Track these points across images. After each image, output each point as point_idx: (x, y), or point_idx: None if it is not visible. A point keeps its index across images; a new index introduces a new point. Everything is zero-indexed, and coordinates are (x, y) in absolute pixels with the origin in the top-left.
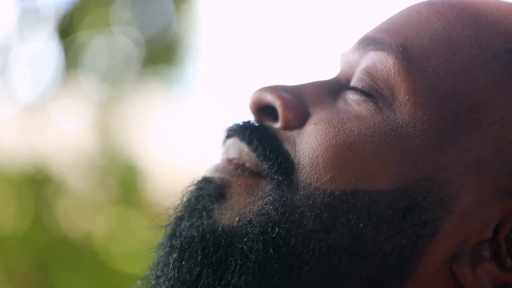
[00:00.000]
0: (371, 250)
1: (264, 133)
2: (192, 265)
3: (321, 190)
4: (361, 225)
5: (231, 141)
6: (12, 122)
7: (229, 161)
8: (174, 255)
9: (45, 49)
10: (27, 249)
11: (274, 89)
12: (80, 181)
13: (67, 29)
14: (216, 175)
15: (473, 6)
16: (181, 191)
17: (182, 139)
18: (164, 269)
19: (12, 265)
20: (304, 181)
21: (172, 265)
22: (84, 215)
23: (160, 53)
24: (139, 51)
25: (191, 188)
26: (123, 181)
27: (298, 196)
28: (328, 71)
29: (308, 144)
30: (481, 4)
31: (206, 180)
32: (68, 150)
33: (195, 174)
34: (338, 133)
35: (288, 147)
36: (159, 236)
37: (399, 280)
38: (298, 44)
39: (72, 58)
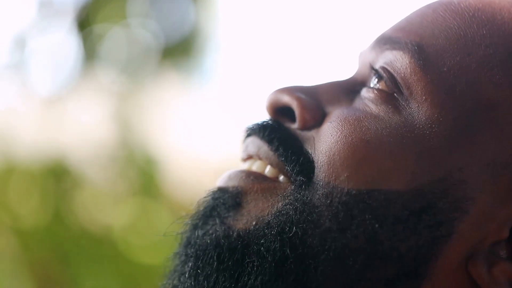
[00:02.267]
0: (387, 250)
1: (284, 133)
2: (209, 272)
3: (339, 189)
4: (377, 225)
5: (250, 139)
6: (31, 115)
7: (246, 159)
8: (190, 264)
9: (64, 41)
10: (48, 242)
11: (290, 90)
12: (100, 173)
13: (86, 21)
14: (230, 184)
15: (489, 6)
16: (197, 202)
17: (201, 130)
18: (181, 278)
19: (33, 258)
20: (323, 179)
21: (189, 273)
22: (104, 207)
23: (178, 44)
24: (157, 43)
25: (206, 198)
26: (142, 172)
27: (317, 196)
28: (345, 67)
29: (324, 142)
30: (497, 3)
31: (221, 190)
32: (88, 142)
33: (213, 165)
34: (354, 130)
35: (308, 147)
36: (178, 229)
37: (415, 280)
38: (316, 36)
39: (90, 50)
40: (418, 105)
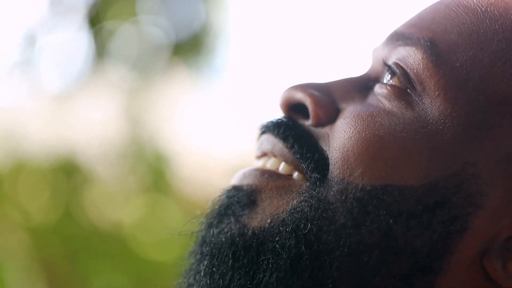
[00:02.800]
0: (401, 246)
1: (298, 130)
2: (224, 270)
3: (354, 185)
4: (391, 221)
5: (265, 136)
6: (42, 112)
7: (261, 156)
8: (205, 262)
9: (74, 38)
10: (58, 239)
11: (303, 87)
12: (110, 170)
13: (96, 19)
14: (245, 182)
15: (502, 0)
16: (212, 200)
17: (210, 127)
18: (196, 277)
19: (44, 255)
20: (338, 176)
21: (204, 272)
22: (114, 204)
23: (188, 41)
24: (167, 39)
25: (221, 197)
26: (152, 169)
27: (332, 192)
28: (357, 63)
29: (338, 138)
30: None
31: (235, 189)
32: (98, 139)
33: (223, 161)
34: (368, 126)
35: (322, 144)
36: (193, 227)
37: (430, 275)
38: (328, 32)
39: (100, 47)
40: (431, 101)
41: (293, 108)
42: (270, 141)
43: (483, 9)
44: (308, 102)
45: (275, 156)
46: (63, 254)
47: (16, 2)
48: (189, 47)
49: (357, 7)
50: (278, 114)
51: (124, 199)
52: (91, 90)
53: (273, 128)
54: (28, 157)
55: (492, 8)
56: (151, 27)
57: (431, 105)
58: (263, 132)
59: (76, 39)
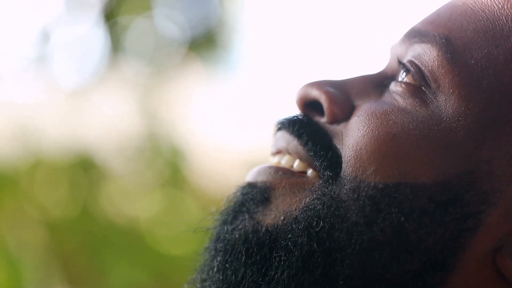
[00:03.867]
0: (413, 243)
1: (313, 128)
2: (237, 267)
3: (366, 183)
4: (403, 218)
5: (280, 133)
6: (58, 108)
7: (276, 153)
8: (219, 258)
9: (90, 34)
10: (76, 235)
11: (319, 84)
12: (126, 165)
13: (111, 14)
14: (259, 179)
15: None
16: (226, 197)
17: (226, 121)
18: (210, 273)
19: (62, 250)
20: (350, 174)
21: (217, 268)
22: (131, 199)
23: (204, 35)
24: (183, 34)
25: (235, 194)
26: (169, 164)
27: (345, 190)
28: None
29: (352, 136)
30: None
31: (250, 185)
32: (114, 134)
33: (239, 155)
34: (381, 124)
35: (336, 141)
36: (208, 224)
37: (442, 273)
38: (345, 26)
39: (116, 42)
40: (445, 98)
41: (309, 105)
42: (285, 138)
43: (500, 5)
44: (323, 99)
45: (289, 153)
46: (81, 249)
47: None
48: (204, 42)
49: (377, 1)
50: (294, 110)
51: (140, 194)
52: (107, 86)
53: (288, 125)
54: (45, 153)
55: (509, 5)
56: (166, 22)
57: (445, 102)
58: (278, 129)
59: (92, 34)
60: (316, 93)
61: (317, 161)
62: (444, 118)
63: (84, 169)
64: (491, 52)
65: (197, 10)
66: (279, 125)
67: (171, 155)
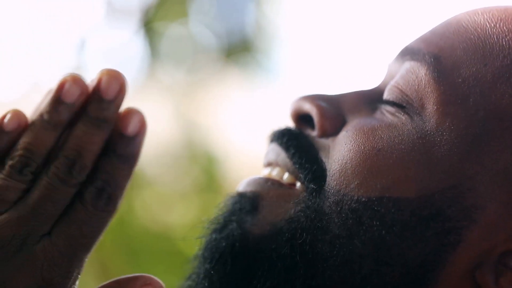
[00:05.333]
0: (394, 256)
1: (301, 141)
2: (223, 275)
3: (349, 196)
4: (384, 232)
5: (271, 146)
6: None
7: (267, 165)
8: (206, 266)
9: (129, 41)
10: (114, 241)
11: (312, 98)
12: (163, 172)
13: (150, 22)
14: (249, 189)
15: None
16: (217, 206)
17: (263, 128)
18: (197, 280)
19: (100, 256)
20: (334, 187)
21: (204, 275)
22: (167, 206)
23: (241, 42)
24: (220, 41)
25: (226, 203)
26: (205, 171)
27: (328, 203)
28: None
29: (338, 151)
30: None
31: (239, 195)
32: (151, 141)
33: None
34: (367, 139)
35: (323, 155)
36: (199, 233)
37: (422, 287)
38: (381, 33)
39: (154, 50)
40: (429, 114)
41: (302, 119)
42: (276, 151)
43: (492, 24)
44: (314, 113)
45: (279, 166)
46: (118, 255)
47: (71, 6)
48: (241, 48)
49: (409, 10)
50: (288, 123)
51: (177, 200)
52: (145, 93)
53: (277, 137)
54: None
55: (501, 24)
56: (203, 29)
57: (430, 118)
58: (271, 141)
59: (131, 42)
60: (308, 107)
61: (302, 174)
62: (429, 132)
63: None
64: (479, 70)
65: (233, 16)
66: (271, 137)
67: (207, 162)
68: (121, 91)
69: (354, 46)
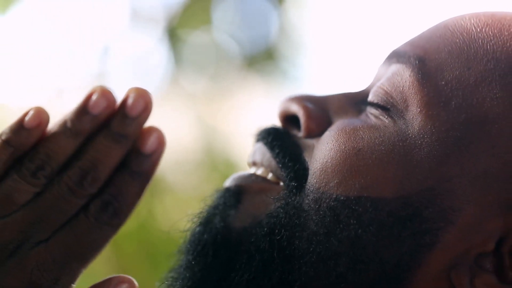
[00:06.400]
0: (370, 255)
1: (286, 140)
2: (204, 266)
3: (328, 194)
4: (360, 230)
5: (258, 145)
6: None
7: (253, 164)
8: (189, 257)
9: (153, 49)
10: (137, 246)
11: (299, 99)
12: (184, 179)
13: (174, 30)
14: (233, 183)
15: (499, 22)
16: (203, 200)
17: None
18: (179, 271)
19: (123, 261)
20: (314, 185)
21: (185, 266)
22: (187, 212)
23: (264, 50)
24: (243, 49)
25: (211, 197)
26: (225, 178)
27: (307, 200)
28: None
29: (320, 150)
30: (509, 19)
31: (225, 190)
32: (172, 148)
33: None
34: (348, 139)
35: (306, 155)
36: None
37: (397, 286)
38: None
39: (176, 57)
40: (412, 117)
41: (289, 119)
42: (261, 151)
43: (478, 29)
44: (301, 114)
45: (264, 166)
46: (140, 261)
47: (96, 13)
48: (265, 57)
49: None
50: (274, 122)
51: (197, 207)
52: (168, 100)
53: (263, 136)
54: None
55: (487, 29)
56: (226, 37)
57: (412, 120)
58: (257, 140)
59: (155, 49)
60: (295, 108)
61: (284, 172)
62: (410, 135)
63: None
64: (462, 73)
65: (257, 24)
66: (257, 136)
67: (228, 169)
68: (146, 110)
69: (378, 53)
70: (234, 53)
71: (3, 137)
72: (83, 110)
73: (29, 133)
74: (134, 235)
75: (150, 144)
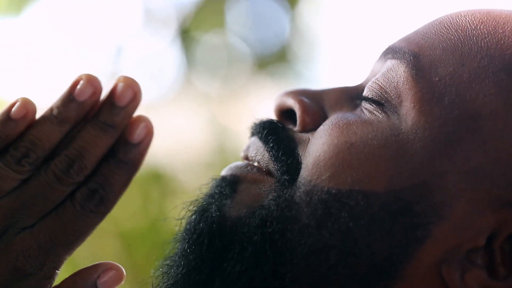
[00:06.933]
0: (361, 248)
1: (280, 134)
2: (198, 255)
3: (319, 187)
4: (351, 224)
5: (253, 139)
6: None
7: (245, 158)
8: (184, 245)
9: (165, 50)
10: (148, 246)
11: (295, 94)
12: (196, 179)
13: (187, 31)
14: (229, 173)
15: (494, 19)
16: (199, 188)
17: None
18: (174, 259)
19: (134, 261)
20: (306, 178)
21: (180, 253)
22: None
23: (276, 52)
24: (256, 50)
25: (207, 186)
26: None
27: (299, 193)
28: None
29: (314, 144)
30: (503, 17)
31: (221, 179)
32: (185, 148)
33: None
34: (341, 133)
35: (300, 149)
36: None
37: (388, 280)
38: None
39: (189, 58)
40: (406, 112)
41: (285, 114)
42: (256, 146)
43: (473, 26)
44: (296, 108)
45: (258, 162)
46: (151, 261)
47: (109, 14)
48: (277, 58)
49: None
50: (270, 116)
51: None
52: (179, 100)
53: (258, 130)
54: None
55: (482, 26)
56: (240, 39)
57: (406, 116)
58: (252, 134)
59: (167, 50)
60: (291, 102)
61: (276, 166)
62: (403, 130)
63: (157, 182)
64: (456, 70)
65: (269, 26)
66: (252, 130)
67: None
68: (134, 100)
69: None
70: (247, 54)
71: None
72: (69, 97)
73: (16, 123)
74: (146, 235)
75: (138, 133)
